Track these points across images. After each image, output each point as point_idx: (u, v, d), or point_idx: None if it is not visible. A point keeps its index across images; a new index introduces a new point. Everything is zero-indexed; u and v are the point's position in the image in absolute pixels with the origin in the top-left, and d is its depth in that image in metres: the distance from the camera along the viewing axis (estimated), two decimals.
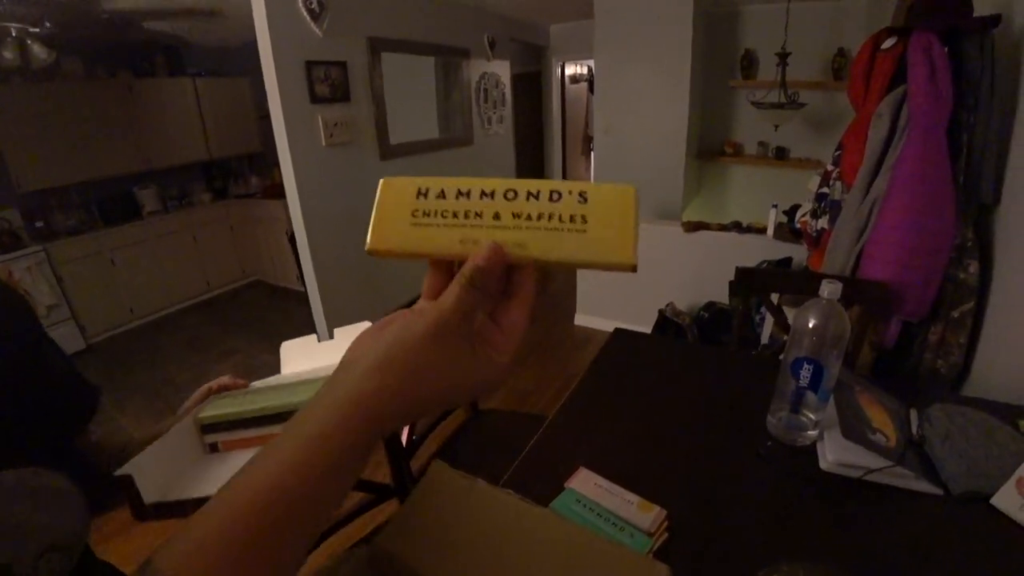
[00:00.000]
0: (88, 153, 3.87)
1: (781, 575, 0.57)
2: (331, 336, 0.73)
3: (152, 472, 0.53)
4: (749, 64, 3.77)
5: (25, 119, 3.51)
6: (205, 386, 0.69)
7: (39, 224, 3.73)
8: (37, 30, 2.99)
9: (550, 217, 0.33)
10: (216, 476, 0.56)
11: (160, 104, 4.29)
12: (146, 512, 0.54)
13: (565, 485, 0.84)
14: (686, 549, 0.73)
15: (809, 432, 0.93)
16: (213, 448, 0.58)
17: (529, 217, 0.33)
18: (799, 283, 1.61)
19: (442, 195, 0.34)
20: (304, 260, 3.10)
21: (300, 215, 2.95)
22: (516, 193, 0.33)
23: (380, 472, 1.27)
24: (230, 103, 4.79)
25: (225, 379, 0.70)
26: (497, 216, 0.33)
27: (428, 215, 0.34)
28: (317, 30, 2.82)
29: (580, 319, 3.67)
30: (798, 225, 2.24)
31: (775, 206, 2.75)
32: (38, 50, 2.97)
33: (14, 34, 2.91)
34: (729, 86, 3.90)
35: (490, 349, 0.33)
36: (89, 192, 4.04)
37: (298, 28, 2.76)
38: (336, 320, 3.22)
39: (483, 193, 0.34)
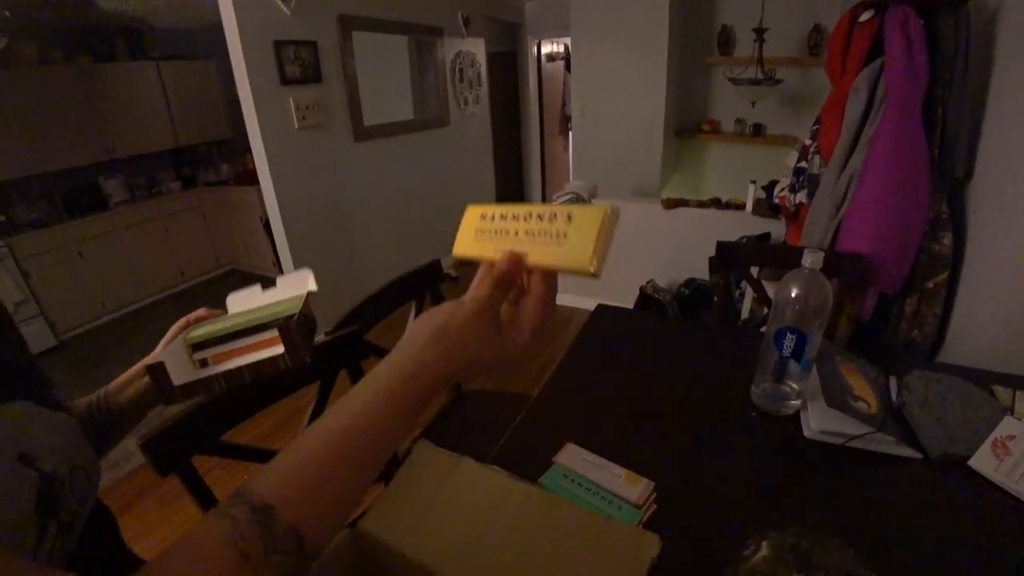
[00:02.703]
0: (47, 142, 3.71)
1: (770, 541, 0.58)
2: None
3: (171, 362, 0.61)
4: (726, 40, 3.76)
5: None
6: (183, 319, 0.71)
7: (0, 218, 3.59)
8: None
9: (544, 233, 0.45)
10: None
11: (122, 90, 4.13)
12: (174, 395, 0.62)
13: (553, 460, 0.83)
14: (674, 520, 0.74)
15: (792, 401, 0.94)
16: (203, 364, 0.65)
17: (533, 234, 0.46)
18: (779, 257, 1.62)
19: (493, 218, 0.50)
20: (280, 246, 3.04)
21: (275, 200, 2.89)
22: (531, 216, 0.47)
23: None
24: (196, 87, 4.64)
25: (202, 311, 0.73)
26: (517, 233, 0.47)
27: (483, 232, 0.50)
28: (285, 8, 2.74)
29: (562, 298, 3.68)
30: (777, 200, 2.25)
31: (753, 182, 2.76)
32: None
33: None
34: (706, 63, 3.89)
35: (513, 332, 0.45)
36: (51, 183, 3.88)
37: (265, 7, 2.67)
38: (314, 301, 3.17)
39: (515, 216, 0.48)
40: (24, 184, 3.73)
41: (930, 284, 1.55)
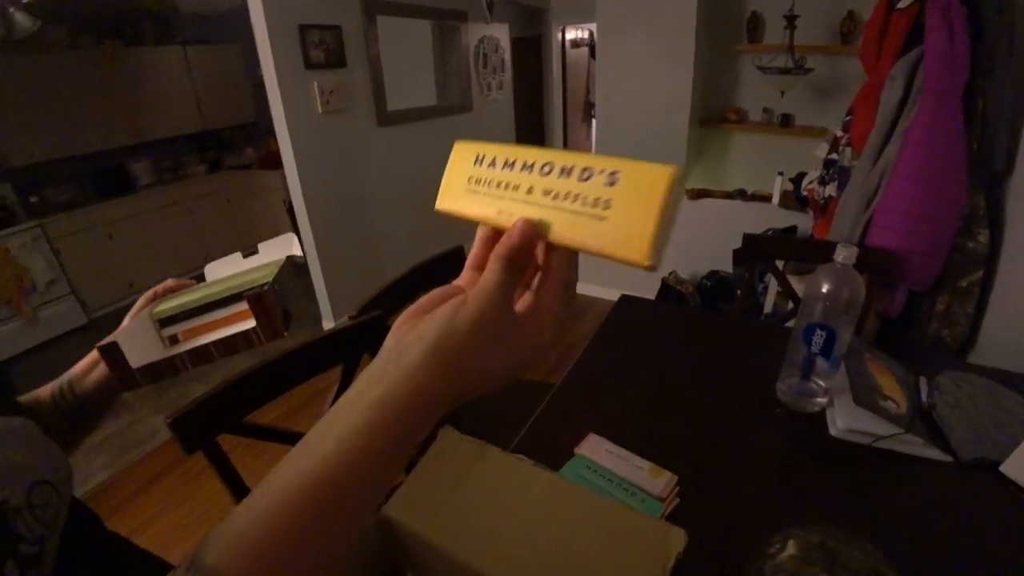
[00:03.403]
0: (77, 125, 3.78)
1: (796, 540, 0.57)
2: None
3: (130, 344, 0.53)
4: (755, 27, 3.66)
5: (9, 92, 3.41)
6: (150, 291, 0.65)
7: (33, 199, 3.67)
8: None
9: (575, 198, 0.30)
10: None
11: (150, 74, 4.18)
12: (133, 379, 0.55)
13: (575, 451, 0.83)
14: (697, 515, 0.73)
15: (819, 399, 0.93)
16: (173, 340, 0.59)
17: (557, 196, 0.31)
18: (806, 251, 1.59)
19: (493, 163, 0.34)
20: (302, 229, 3.07)
21: (298, 184, 2.91)
22: (552, 167, 0.31)
23: None
24: (222, 71, 4.67)
25: (170, 282, 0.67)
26: (530, 191, 0.32)
27: (479, 182, 0.35)
28: None
29: (581, 287, 3.66)
30: (804, 192, 2.21)
31: (780, 173, 2.71)
32: (21, 19, 2.86)
33: None
34: (734, 50, 3.80)
35: (531, 327, 0.33)
36: (81, 166, 3.97)
37: None
38: (336, 285, 3.21)
39: (524, 165, 0.32)
40: (55, 166, 3.82)
41: (963, 282, 1.51)
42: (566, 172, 0.31)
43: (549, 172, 0.31)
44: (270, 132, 3.05)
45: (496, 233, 0.34)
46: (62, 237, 3.62)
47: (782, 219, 2.71)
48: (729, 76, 3.97)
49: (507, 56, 4.59)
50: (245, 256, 0.71)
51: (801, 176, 2.58)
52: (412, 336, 0.31)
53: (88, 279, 3.79)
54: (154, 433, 2.47)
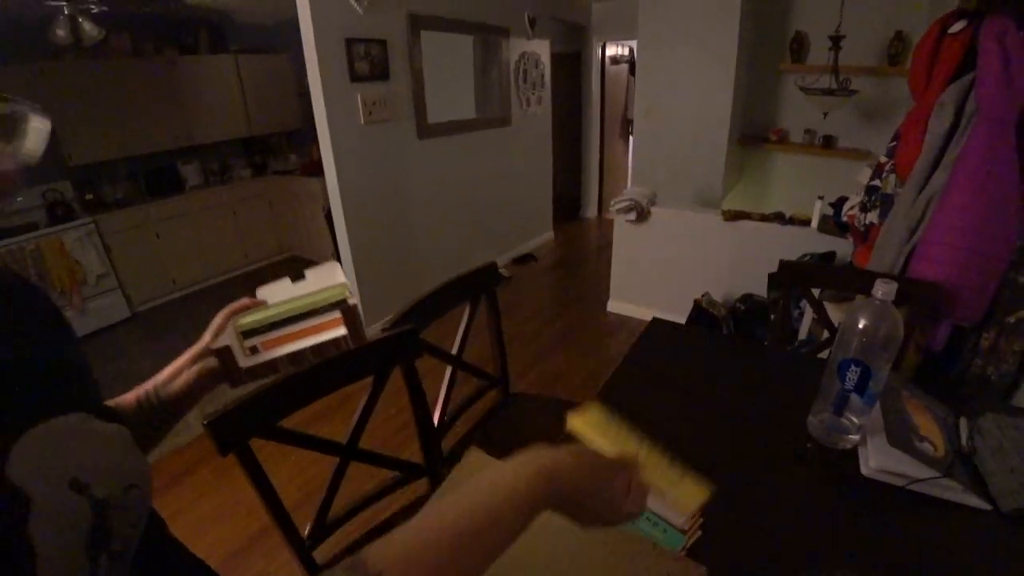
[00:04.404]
0: (134, 128, 3.98)
1: None
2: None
3: (236, 344, 0.63)
4: (799, 47, 3.61)
5: (76, 95, 3.61)
6: (227, 308, 0.72)
7: (88, 196, 3.87)
8: (88, 7, 3.06)
9: (662, 467, 0.63)
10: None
11: (202, 81, 4.37)
12: (241, 377, 0.65)
13: None
14: (720, 548, 0.72)
15: (851, 436, 0.90)
16: (254, 350, 0.68)
17: (654, 463, 0.63)
18: (844, 279, 1.55)
19: (613, 426, 0.65)
20: (340, 236, 3.14)
21: (337, 192, 2.98)
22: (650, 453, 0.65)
23: (408, 450, 1.28)
24: (271, 80, 4.84)
25: (245, 300, 0.73)
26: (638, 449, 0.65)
27: (607, 427, 0.67)
28: (358, 7, 2.82)
29: (613, 305, 3.64)
30: (845, 218, 2.15)
31: (821, 197, 2.65)
32: (89, 27, 3.04)
33: (66, 12, 2.99)
34: (777, 70, 3.75)
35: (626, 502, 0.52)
36: (135, 166, 4.16)
37: (339, 4, 2.76)
38: (370, 295, 3.27)
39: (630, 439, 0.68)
40: (112, 166, 4.02)
41: (1012, 319, 1.45)
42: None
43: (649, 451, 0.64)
44: (314, 139, 3.14)
45: None
46: (113, 233, 3.80)
47: (821, 244, 2.64)
48: (771, 96, 3.92)
49: (547, 71, 4.62)
50: (294, 281, 0.79)
51: (842, 201, 2.51)
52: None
53: (134, 274, 3.96)
54: (188, 426, 2.54)
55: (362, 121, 2.98)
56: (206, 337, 0.70)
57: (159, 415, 0.68)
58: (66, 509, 0.39)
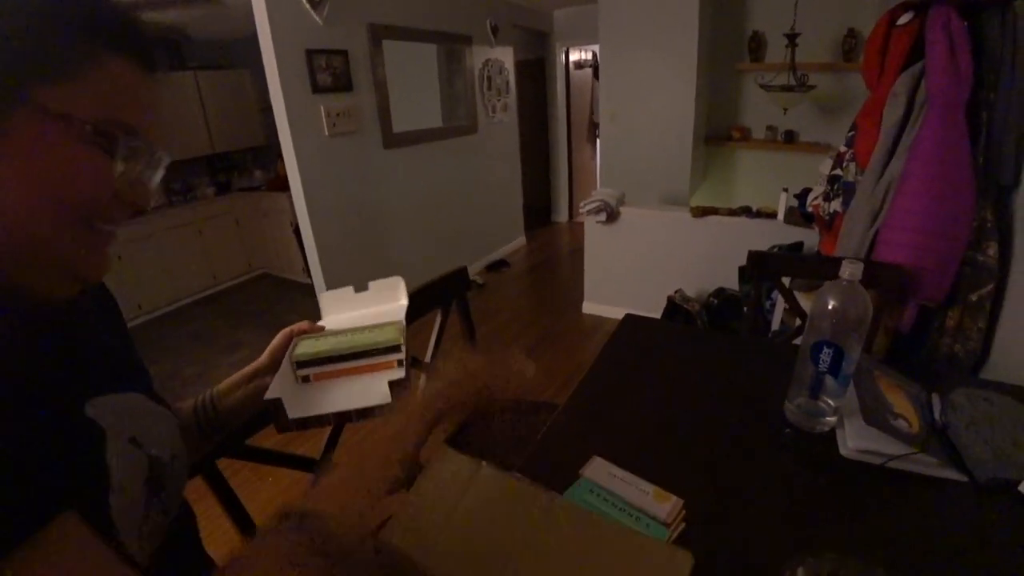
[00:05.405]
0: None
1: (807, 567, 0.55)
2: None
3: (287, 394, 0.66)
4: (757, 46, 3.70)
5: None
6: (287, 329, 0.77)
7: None
8: None
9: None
10: (326, 399, 0.71)
11: (162, 99, 4.26)
12: (289, 426, 0.67)
13: (580, 473, 0.82)
14: (704, 539, 0.71)
15: (828, 418, 0.91)
16: (305, 379, 0.73)
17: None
18: (813, 267, 1.58)
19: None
20: (309, 251, 3.09)
21: (304, 207, 2.94)
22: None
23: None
24: (232, 96, 4.75)
25: (304, 324, 0.79)
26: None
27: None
28: (317, 18, 2.79)
29: (588, 307, 3.65)
30: (810, 209, 2.20)
31: (785, 190, 2.71)
32: None
33: None
34: (737, 69, 3.83)
35: None
36: None
37: (298, 16, 2.73)
38: None
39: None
40: None
41: (974, 296, 1.49)
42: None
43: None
44: (279, 155, 3.09)
45: None
46: None
47: (788, 235, 2.69)
48: (732, 94, 4.00)
49: (511, 78, 4.65)
50: (356, 291, 0.86)
51: (806, 192, 2.57)
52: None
53: None
54: None
55: (327, 133, 2.94)
56: (264, 356, 0.75)
57: (211, 423, 0.73)
58: (129, 453, 0.48)
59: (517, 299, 4.17)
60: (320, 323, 0.84)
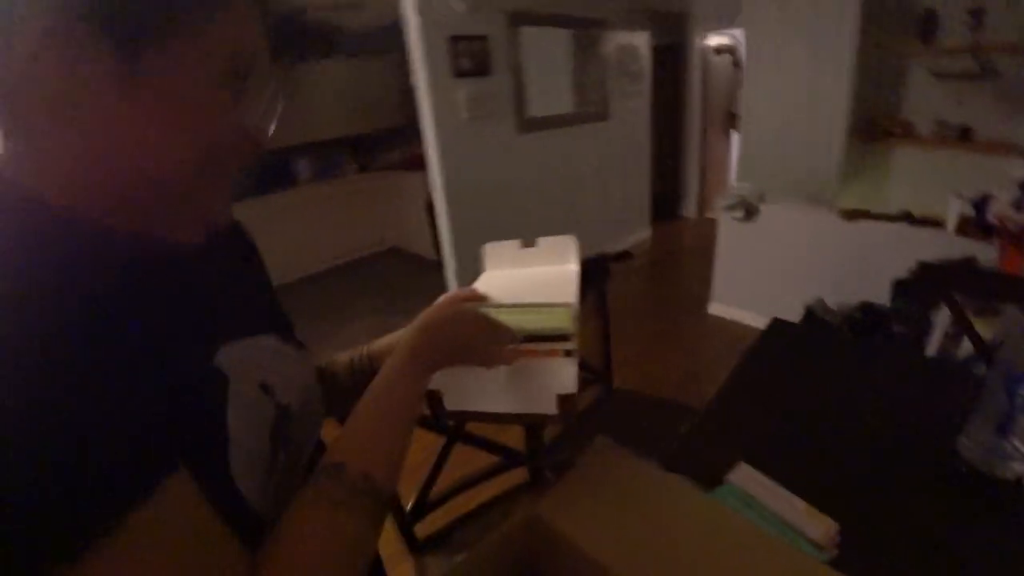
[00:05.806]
0: None
1: None
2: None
3: (447, 385, 0.63)
4: (929, 26, 3.25)
5: None
6: (450, 294, 0.73)
7: None
8: None
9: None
10: (487, 393, 0.65)
11: (314, 84, 4.67)
12: (443, 418, 0.66)
13: (725, 479, 0.80)
14: (857, 571, 0.67)
15: (1016, 464, 0.80)
16: None
17: None
18: (1002, 286, 1.39)
19: None
20: (442, 229, 3.24)
21: (441, 186, 3.08)
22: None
23: (505, 435, 1.29)
24: (375, 80, 5.08)
25: (466, 290, 0.75)
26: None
27: None
28: (463, 5, 2.89)
29: (715, 308, 3.48)
30: (992, 219, 1.93)
31: (959, 195, 2.38)
32: None
33: None
34: (900, 55, 3.41)
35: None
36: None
37: (444, 4, 2.85)
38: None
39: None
40: None
41: None
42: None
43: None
44: (415, 136, 3.26)
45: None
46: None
47: (956, 249, 2.37)
48: (893, 83, 3.57)
49: (646, 64, 4.51)
50: (523, 247, 0.79)
51: (985, 199, 2.25)
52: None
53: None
54: None
55: (465, 116, 3.06)
56: (422, 317, 0.71)
57: (364, 381, 0.68)
58: (255, 403, 0.47)
59: (639, 291, 4.10)
60: (483, 275, 0.80)
